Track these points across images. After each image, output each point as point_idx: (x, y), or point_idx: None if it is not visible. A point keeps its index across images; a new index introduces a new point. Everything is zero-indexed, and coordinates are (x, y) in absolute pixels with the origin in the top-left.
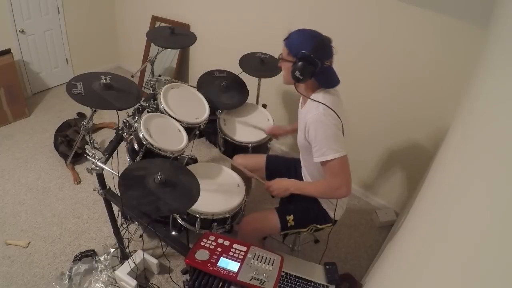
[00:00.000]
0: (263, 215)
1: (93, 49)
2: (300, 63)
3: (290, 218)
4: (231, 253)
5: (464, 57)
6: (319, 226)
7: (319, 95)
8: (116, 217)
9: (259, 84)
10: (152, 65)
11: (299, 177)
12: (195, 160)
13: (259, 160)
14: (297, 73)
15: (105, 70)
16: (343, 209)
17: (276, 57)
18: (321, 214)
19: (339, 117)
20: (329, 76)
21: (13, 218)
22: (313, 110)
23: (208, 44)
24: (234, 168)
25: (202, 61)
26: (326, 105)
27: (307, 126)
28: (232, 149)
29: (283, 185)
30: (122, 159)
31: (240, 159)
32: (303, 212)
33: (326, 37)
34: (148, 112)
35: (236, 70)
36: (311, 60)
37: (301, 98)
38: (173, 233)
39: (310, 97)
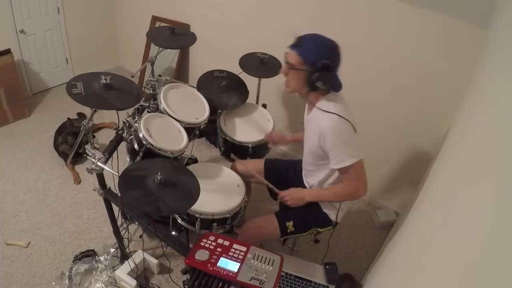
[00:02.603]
0: (263, 222)
1: (93, 49)
2: (320, 73)
3: (290, 224)
4: (231, 253)
5: (464, 57)
6: (319, 230)
7: (329, 105)
8: (116, 217)
9: (259, 84)
10: (152, 65)
11: (298, 178)
12: (195, 160)
13: (258, 164)
14: (319, 83)
15: (105, 70)
16: (344, 211)
17: (275, 57)
18: (321, 217)
19: (352, 124)
20: (337, 81)
21: (13, 218)
22: (327, 119)
23: (208, 44)
24: (235, 169)
25: (202, 61)
26: (339, 115)
27: (322, 135)
28: (232, 149)
29: (300, 194)
30: (122, 159)
31: (239, 166)
32: (303, 216)
33: (336, 43)
34: (148, 112)
35: (236, 70)
36: (331, 69)
37: (307, 105)
38: (173, 233)
39: (323, 109)
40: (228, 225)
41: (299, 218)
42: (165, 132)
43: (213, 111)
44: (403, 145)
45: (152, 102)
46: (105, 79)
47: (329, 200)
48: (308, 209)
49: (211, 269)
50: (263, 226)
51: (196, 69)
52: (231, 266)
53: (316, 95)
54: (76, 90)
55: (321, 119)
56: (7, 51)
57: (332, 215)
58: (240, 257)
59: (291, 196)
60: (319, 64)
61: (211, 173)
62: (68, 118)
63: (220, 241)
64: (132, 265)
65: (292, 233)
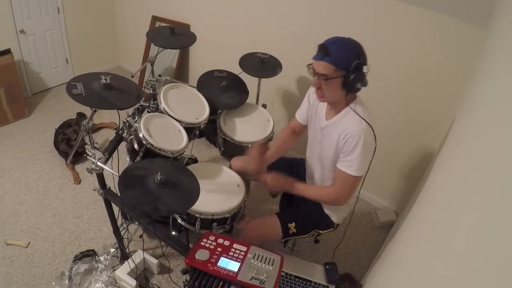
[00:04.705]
0: (265, 222)
1: (93, 49)
2: (356, 74)
3: (292, 225)
4: (231, 253)
5: (464, 57)
6: (320, 232)
7: (360, 109)
8: (116, 217)
9: (259, 84)
10: (152, 65)
11: (301, 177)
12: (195, 160)
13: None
14: (359, 84)
15: (105, 70)
16: (347, 212)
17: (275, 57)
18: (323, 219)
19: (375, 141)
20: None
21: (13, 218)
22: (357, 124)
23: (208, 44)
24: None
25: (202, 61)
26: (371, 126)
27: (346, 136)
28: (232, 149)
29: (280, 182)
30: (122, 159)
31: (238, 162)
32: (305, 218)
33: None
34: (148, 112)
35: (236, 70)
36: (362, 67)
37: (326, 109)
38: (173, 233)
39: (357, 111)
40: (228, 225)
41: (301, 220)
42: (165, 132)
43: (213, 111)
44: (403, 145)
45: (152, 102)
46: (105, 79)
47: (307, 197)
48: (309, 210)
49: (211, 269)
50: (265, 227)
51: (196, 69)
52: (231, 266)
53: (353, 96)
54: (77, 91)
55: (352, 121)
56: (7, 51)
57: (334, 217)
58: (241, 257)
59: (273, 183)
60: (352, 66)
61: (211, 173)
62: (76, 117)
63: (220, 241)
64: (132, 265)
65: (294, 234)
